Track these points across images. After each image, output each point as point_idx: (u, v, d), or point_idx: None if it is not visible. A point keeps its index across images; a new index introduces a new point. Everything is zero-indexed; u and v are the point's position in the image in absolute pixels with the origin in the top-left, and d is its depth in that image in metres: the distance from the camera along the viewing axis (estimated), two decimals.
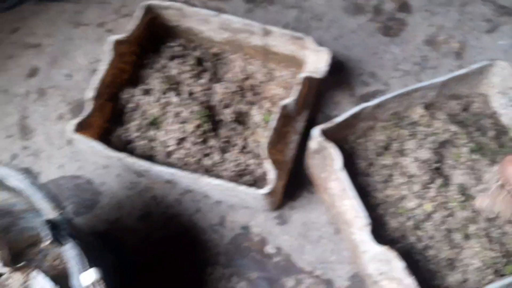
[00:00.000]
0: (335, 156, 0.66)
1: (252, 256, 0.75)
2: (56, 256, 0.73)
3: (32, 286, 0.67)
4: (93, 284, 0.49)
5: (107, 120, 0.80)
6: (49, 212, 0.53)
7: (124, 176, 0.82)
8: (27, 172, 0.82)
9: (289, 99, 0.72)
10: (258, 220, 0.78)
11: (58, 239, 0.51)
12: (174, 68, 0.82)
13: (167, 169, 0.69)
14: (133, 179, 0.81)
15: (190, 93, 0.81)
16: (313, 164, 0.73)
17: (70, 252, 0.51)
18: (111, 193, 0.81)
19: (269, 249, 0.76)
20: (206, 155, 0.76)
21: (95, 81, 0.75)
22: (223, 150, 0.77)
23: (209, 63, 0.86)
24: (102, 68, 0.76)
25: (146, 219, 0.79)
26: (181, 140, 0.76)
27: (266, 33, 0.78)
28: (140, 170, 0.76)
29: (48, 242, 0.51)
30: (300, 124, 0.78)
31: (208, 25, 0.81)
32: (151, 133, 0.78)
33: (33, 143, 0.85)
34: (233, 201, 0.75)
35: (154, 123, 0.78)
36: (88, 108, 0.74)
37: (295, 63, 0.83)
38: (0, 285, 0.66)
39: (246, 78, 0.85)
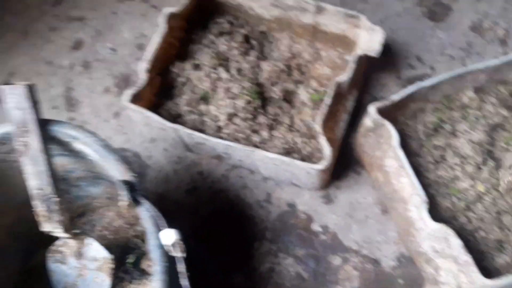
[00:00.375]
0: (393, 133, 0.66)
1: (298, 233, 0.76)
2: (105, 225, 0.74)
3: (86, 253, 0.67)
4: (173, 244, 0.49)
5: (155, 94, 0.80)
6: (123, 174, 0.54)
7: (171, 151, 0.82)
8: None
9: (344, 76, 0.72)
10: (304, 198, 0.78)
11: (134, 200, 0.51)
12: (222, 45, 0.82)
13: (223, 141, 0.69)
14: (180, 154, 0.82)
15: (239, 70, 0.81)
16: (366, 142, 0.73)
17: (146, 213, 0.52)
18: (158, 166, 0.81)
19: (316, 227, 0.76)
20: (255, 131, 0.77)
21: (148, 53, 0.75)
22: (271, 127, 0.77)
23: (255, 41, 0.86)
24: (155, 40, 0.76)
25: (193, 193, 0.79)
26: (231, 116, 0.76)
27: (319, 10, 0.78)
28: (190, 144, 0.76)
29: (125, 202, 0.51)
30: (350, 103, 0.78)
31: (260, 1, 0.81)
32: (202, 107, 0.78)
33: (80, 115, 0.85)
34: (282, 177, 0.75)
35: (205, 98, 0.78)
36: (141, 80, 0.74)
37: (343, 42, 0.82)
38: (55, 250, 0.67)
39: (293, 57, 0.85)
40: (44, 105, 0.85)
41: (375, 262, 0.73)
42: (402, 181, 0.66)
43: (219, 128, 0.77)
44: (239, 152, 0.70)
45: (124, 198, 0.52)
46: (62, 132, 0.58)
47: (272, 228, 0.76)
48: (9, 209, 0.67)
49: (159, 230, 0.51)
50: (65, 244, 0.67)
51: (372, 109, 0.68)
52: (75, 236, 0.65)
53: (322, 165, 0.66)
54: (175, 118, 0.78)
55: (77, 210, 0.74)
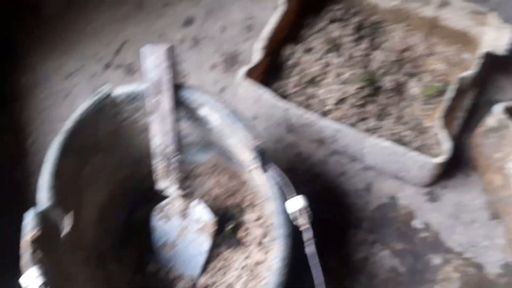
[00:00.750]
0: None
1: (397, 227, 0.73)
2: (204, 193, 0.76)
3: (191, 214, 0.69)
4: (299, 210, 0.49)
5: (262, 73, 0.81)
6: (252, 140, 0.54)
7: (271, 130, 0.83)
8: None
9: (468, 73, 0.70)
10: (406, 192, 0.75)
11: (263, 165, 0.52)
12: (335, 31, 0.82)
13: (334, 124, 0.68)
14: (280, 134, 0.82)
15: (350, 57, 0.80)
16: (485, 143, 0.69)
17: (274, 178, 0.52)
18: None
19: (417, 223, 0.73)
20: (362, 119, 0.75)
21: (265, 32, 0.76)
22: (379, 117, 0.76)
23: (367, 30, 0.85)
24: (273, 20, 0.77)
25: (289, 174, 0.77)
26: (340, 101, 0.76)
27: (444, 4, 0.76)
28: (295, 125, 0.76)
29: (255, 166, 0.52)
30: (467, 102, 0.75)
31: None
32: (309, 90, 0.78)
33: None
34: (388, 168, 0.73)
35: (313, 82, 0.78)
36: (255, 58, 0.76)
37: (463, 39, 0.79)
38: (161, 209, 0.70)
39: (405, 50, 0.83)
40: None
41: (479, 266, 0.69)
42: None
43: (326, 113, 0.76)
44: (348, 137, 0.69)
45: (252, 162, 0.52)
46: (191, 97, 0.60)
47: (369, 218, 0.74)
48: (124, 165, 0.70)
49: (285, 197, 0.52)
50: (172, 203, 0.69)
51: (498, 108, 0.65)
52: (184, 196, 0.68)
53: (441, 158, 0.64)
54: (282, 98, 0.79)
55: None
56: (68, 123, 0.61)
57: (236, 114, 0.57)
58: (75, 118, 0.61)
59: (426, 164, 0.65)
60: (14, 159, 0.82)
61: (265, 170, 0.53)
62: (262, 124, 0.83)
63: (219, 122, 0.60)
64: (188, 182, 0.77)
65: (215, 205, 0.75)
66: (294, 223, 0.52)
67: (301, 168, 0.80)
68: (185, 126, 0.66)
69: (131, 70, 0.91)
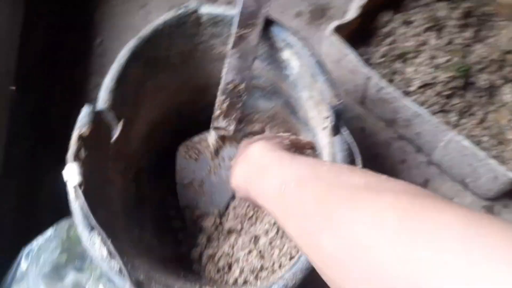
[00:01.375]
0: None
1: None
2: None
3: (223, 152, 0.66)
4: None
5: (349, 34, 0.75)
6: (332, 98, 0.50)
7: (342, 96, 0.78)
8: None
9: None
10: (464, 200, 0.70)
11: (336, 126, 0.48)
12: (441, 10, 0.74)
13: (415, 106, 0.63)
14: (349, 103, 0.77)
15: (449, 42, 0.73)
16: None
17: (344, 143, 0.48)
18: None
19: None
20: (443, 111, 0.69)
21: None
22: (461, 114, 0.69)
23: (475, 19, 0.76)
24: None
25: None
26: (426, 85, 0.69)
27: None
28: (371, 96, 0.71)
29: (326, 126, 0.48)
30: None
31: None
32: (397, 65, 0.72)
33: None
34: (457, 170, 0.67)
35: (403, 57, 0.72)
36: (350, 15, 0.70)
37: None
38: (190, 146, 0.67)
39: (510, 52, 0.74)
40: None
41: None
42: None
43: (407, 93, 0.70)
44: (426, 125, 0.64)
45: (325, 121, 0.48)
46: (279, 35, 0.55)
47: None
48: (187, 89, 0.68)
49: (357, 162, 0.48)
50: (204, 141, 0.66)
51: None
52: (225, 137, 0.65)
53: None
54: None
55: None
56: (145, 31, 0.58)
57: (322, 65, 0.52)
58: (154, 27, 0.58)
59: (501, 176, 0.59)
60: (78, 57, 0.82)
61: (336, 133, 0.49)
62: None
63: (299, 70, 0.55)
64: (241, 125, 0.74)
65: None
66: None
67: (361, 145, 0.74)
68: (259, 66, 0.62)
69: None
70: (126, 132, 0.58)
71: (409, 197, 0.26)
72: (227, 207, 0.66)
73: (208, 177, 0.67)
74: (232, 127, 0.60)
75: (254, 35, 0.54)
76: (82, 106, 0.52)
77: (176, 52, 0.62)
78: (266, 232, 0.64)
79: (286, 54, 0.56)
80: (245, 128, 0.74)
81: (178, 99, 0.68)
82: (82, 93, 0.80)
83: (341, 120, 0.49)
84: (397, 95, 0.63)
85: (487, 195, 0.67)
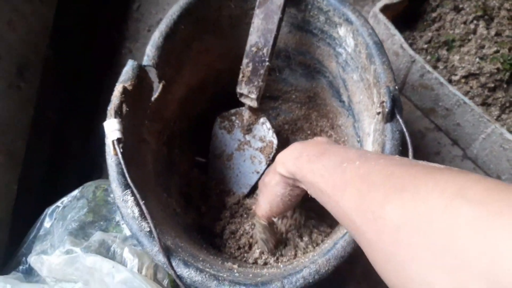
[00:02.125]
0: None
1: None
2: (288, 120, 0.71)
3: (255, 130, 0.65)
4: None
5: (395, 16, 0.73)
6: (388, 81, 0.48)
7: None
8: None
9: None
10: None
11: (391, 112, 0.45)
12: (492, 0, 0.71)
13: (459, 94, 0.60)
14: None
15: (499, 33, 0.70)
16: None
17: (393, 132, 0.45)
18: None
19: None
20: (485, 104, 0.67)
21: None
22: (503, 109, 0.67)
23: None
24: None
25: None
26: (470, 76, 0.67)
27: None
28: (412, 81, 0.68)
29: (380, 112, 0.45)
30: None
31: None
32: (442, 52, 0.69)
33: None
34: (495, 164, 0.65)
35: (449, 44, 0.69)
36: None
37: None
38: (226, 117, 0.65)
39: None
40: None
41: None
42: None
43: (449, 82, 0.68)
44: (469, 115, 0.61)
45: (379, 107, 0.46)
46: (340, 11, 0.52)
47: None
48: (230, 56, 0.65)
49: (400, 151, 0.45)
50: (239, 114, 0.65)
51: None
52: (255, 109, 0.63)
53: None
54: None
55: (273, 92, 0.72)
56: None
57: (381, 47, 0.50)
58: None
59: None
60: (117, 21, 0.81)
61: (390, 120, 0.46)
62: None
63: (354, 49, 0.53)
64: (282, 103, 0.72)
65: (293, 138, 0.70)
66: None
67: None
68: (310, 41, 0.60)
69: None
70: (166, 93, 0.57)
71: (487, 180, 0.24)
72: (251, 192, 0.64)
73: (237, 153, 0.66)
74: (254, 95, 0.58)
75: None
76: (114, 71, 0.51)
77: (226, 14, 0.60)
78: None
79: (342, 31, 0.54)
80: (280, 106, 0.72)
81: (220, 65, 0.66)
82: (116, 57, 0.78)
83: (397, 106, 0.46)
84: (442, 81, 0.61)
85: None
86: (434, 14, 0.71)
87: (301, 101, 0.71)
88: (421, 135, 0.72)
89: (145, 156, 0.52)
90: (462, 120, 0.64)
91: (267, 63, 0.57)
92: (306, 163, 0.40)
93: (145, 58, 0.51)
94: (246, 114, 0.65)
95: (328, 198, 0.35)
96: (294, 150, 0.44)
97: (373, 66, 0.49)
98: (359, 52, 0.51)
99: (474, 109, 0.59)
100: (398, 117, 0.45)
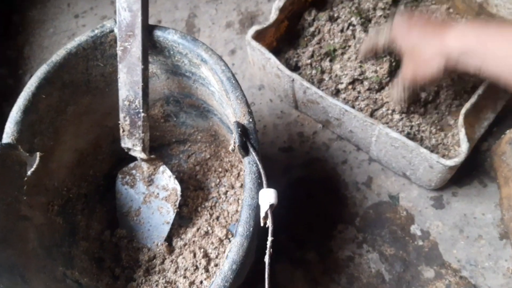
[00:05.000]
0: None
1: (392, 230, 0.66)
2: (200, 161, 0.71)
3: (157, 180, 0.65)
4: (270, 206, 0.42)
5: (278, 38, 0.74)
6: (241, 115, 0.48)
7: (276, 103, 0.76)
8: None
9: None
10: (410, 194, 0.68)
11: (243, 147, 0.45)
12: (367, 2, 0.73)
13: (341, 104, 0.61)
14: (285, 109, 0.76)
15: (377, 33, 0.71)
16: (511, 152, 0.60)
17: (250, 165, 0.45)
18: (259, 116, 0.76)
19: (415, 229, 0.66)
20: (376, 105, 0.68)
21: None
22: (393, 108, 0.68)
23: (404, 5, 0.75)
24: None
25: (287, 153, 0.73)
26: (355, 81, 0.68)
27: None
28: (301, 100, 0.69)
29: (234, 146, 0.45)
30: (500, 103, 0.65)
31: None
32: (326, 64, 0.70)
33: None
34: (395, 163, 0.66)
35: (331, 54, 0.71)
36: (271, 19, 0.68)
37: None
38: (126, 172, 0.65)
39: None
40: (165, 25, 0.84)
41: None
42: None
43: (338, 91, 0.69)
44: (356, 121, 0.62)
45: (234, 141, 0.45)
46: (195, 52, 0.53)
47: (363, 216, 0.67)
48: (117, 110, 0.65)
49: (258, 189, 0.44)
50: (138, 167, 0.65)
51: None
52: (150, 160, 0.63)
53: (454, 161, 0.56)
54: (293, 69, 0.72)
55: (178, 136, 0.72)
56: (57, 55, 0.56)
57: (234, 82, 0.50)
58: (67, 51, 0.56)
59: (436, 165, 0.57)
60: (8, 92, 0.80)
61: (246, 154, 0.46)
62: (267, 95, 0.77)
63: (217, 87, 0.53)
64: (185, 146, 0.72)
65: (206, 176, 0.70)
66: (261, 220, 0.44)
67: (302, 148, 0.73)
68: (187, 84, 0.61)
69: None
70: (46, 163, 0.56)
71: None
72: (163, 243, 0.63)
73: (144, 206, 0.65)
74: (139, 148, 0.58)
75: (135, 47, 0.53)
76: None
77: (98, 74, 0.60)
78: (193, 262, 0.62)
79: (204, 70, 0.54)
80: (190, 148, 0.72)
81: (109, 123, 0.66)
82: None
83: (250, 139, 0.46)
84: (321, 94, 0.62)
85: (431, 186, 0.65)
86: (312, 29, 0.72)
87: (207, 140, 0.71)
88: (326, 147, 0.73)
89: (24, 234, 0.51)
90: (352, 127, 0.65)
91: (142, 114, 0.57)
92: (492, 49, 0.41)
93: (4, 135, 0.51)
94: (144, 166, 0.65)
95: None
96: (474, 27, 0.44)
97: (230, 102, 0.49)
98: (220, 89, 0.52)
99: (356, 115, 0.60)
100: (251, 150, 0.45)
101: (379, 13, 0.72)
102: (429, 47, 0.50)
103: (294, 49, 0.73)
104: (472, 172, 0.68)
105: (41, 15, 0.87)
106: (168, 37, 0.54)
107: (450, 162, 0.56)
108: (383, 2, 0.73)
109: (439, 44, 0.48)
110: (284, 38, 0.74)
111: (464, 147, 0.56)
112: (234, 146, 0.45)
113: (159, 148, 0.73)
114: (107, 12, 0.87)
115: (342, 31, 0.71)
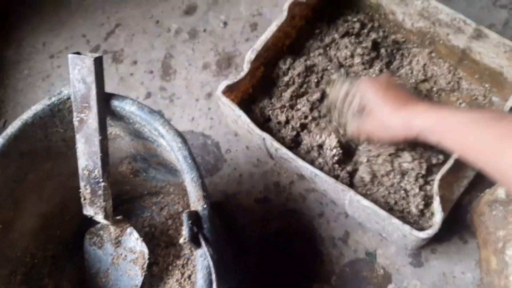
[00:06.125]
0: None
1: None
2: (172, 213, 0.69)
3: (124, 242, 0.63)
4: None
5: (254, 86, 0.71)
6: (195, 201, 0.45)
7: (253, 151, 0.74)
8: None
9: None
10: (388, 250, 0.66)
11: (195, 240, 0.43)
12: (345, 48, 0.70)
13: (311, 168, 0.58)
14: (262, 157, 0.73)
15: None
16: (489, 214, 0.57)
17: (202, 260, 0.43)
18: (235, 164, 0.74)
19: None
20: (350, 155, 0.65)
21: (260, 42, 0.66)
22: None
23: (385, 50, 0.71)
24: (271, 29, 0.66)
25: (264, 204, 0.71)
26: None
27: (478, 36, 0.61)
28: (274, 155, 0.67)
29: (183, 240, 0.43)
30: None
31: (406, 7, 0.66)
32: (296, 103, 0.68)
33: (172, 86, 0.80)
34: (370, 225, 0.63)
35: (301, 96, 0.68)
36: (244, 70, 0.66)
37: (495, 79, 0.65)
38: (94, 233, 0.64)
39: (425, 80, 0.70)
40: (141, 66, 0.82)
41: None
42: None
43: (304, 126, 0.67)
44: (327, 184, 0.59)
45: (183, 234, 0.43)
46: (152, 125, 0.51)
47: (340, 274, 0.65)
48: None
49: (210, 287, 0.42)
50: (105, 228, 0.63)
51: None
52: (116, 223, 0.61)
53: (427, 233, 0.53)
54: (267, 119, 0.69)
55: (150, 189, 0.70)
56: (12, 127, 0.55)
57: (190, 161, 0.47)
58: (23, 121, 0.55)
59: (409, 236, 0.54)
60: None
61: (197, 246, 0.43)
62: (243, 142, 0.75)
63: (176, 161, 0.51)
64: (158, 198, 0.71)
65: (176, 235, 0.68)
66: None
67: (278, 199, 0.71)
68: (152, 147, 0.59)
69: (118, 59, 0.83)
70: (6, 234, 0.55)
71: None
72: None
73: (113, 268, 0.64)
74: (101, 216, 0.56)
75: (91, 118, 0.51)
76: None
77: (59, 139, 0.59)
78: None
79: (163, 142, 0.52)
80: (163, 200, 0.71)
81: (75, 183, 0.64)
82: None
83: (203, 228, 0.44)
84: (291, 155, 0.59)
85: (407, 249, 0.63)
86: (286, 78, 0.69)
87: (179, 193, 0.69)
88: (303, 198, 0.70)
89: None
90: (324, 188, 0.62)
91: (102, 184, 0.55)
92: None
93: None
94: (111, 227, 0.63)
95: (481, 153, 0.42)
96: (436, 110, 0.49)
97: (185, 182, 0.47)
98: (178, 164, 0.50)
99: (327, 180, 0.58)
100: (202, 243, 0.43)
101: (357, 60, 0.69)
102: (394, 117, 0.52)
103: (269, 98, 0.70)
104: (452, 226, 0.65)
105: (16, 55, 0.85)
106: (125, 107, 0.52)
107: (423, 235, 0.53)
108: (361, 47, 0.69)
109: (404, 117, 0.51)
110: (260, 85, 0.71)
111: (438, 218, 0.53)
112: (184, 240, 0.43)
113: (131, 200, 0.71)
114: (91, 37, 0.85)
115: (318, 84, 0.68)
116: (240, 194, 0.72)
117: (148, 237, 0.68)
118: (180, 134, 0.50)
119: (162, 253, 0.66)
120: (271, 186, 0.72)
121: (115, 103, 0.53)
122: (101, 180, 0.55)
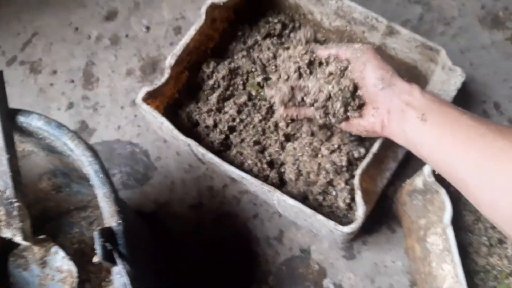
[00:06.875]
0: (447, 207, 0.53)
1: (306, 286, 0.65)
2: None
3: (50, 262, 0.60)
4: None
5: (179, 91, 0.70)
6: (108, 217, 0.43)
7: (184, 156, 0.72)
8: (82, 125, 0.75)
9: None
10: (321, 246, 0.67)
11: (109, 257, 0.41)
12: (267, 50, 0.70)
13: (238, 171, 0.58)
14: (193, 162, 0.72)
15: (278, 78, 0.69)
16: (410, 203, 0.60)
17: (118, 278, 0.41)
18: (166, 171, 0.72)
19: (328, 283, 0.65)
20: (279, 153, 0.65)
21: (179, 47, 0.64)
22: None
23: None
24: (190, 33, 0.65)
25: (198, 209, 0.70)
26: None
27: (390, 32, 0.64)
28: (203, 160, 0.66)
29: (97, 259, 0.41)
30: (402, 151, 0.64)
31: (322, 7, 0.68)
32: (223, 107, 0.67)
33: (95, 94, 0.77)
34: (300, 222, 0.64)
35: (229, 99, 0.67)
36: (164, 76, 0.64)
37: (412, 74, 0.68)
38: (17, 255, 0.60)
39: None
40: (61, 76, 0.78)
41: None
42: (444, 268, 0.53)
43: (232, 128, 0.67)
44: (255, 186, 0.59)
45: (97, 253, 0.41)
46: (61, 140, 0.48)
47: (276, 274, 0.66)
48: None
49: None
50: (29, 249, 0.59)
51: (427, 170, 0.55)
52: (38, 243, 0.58)
53: (351, 228, 0.54)
54: (195, 124, 0.68)
55: (77, 204, 0.67)
56: None
57: (101, 176, 0.45)
58: None
59: (335, 231, 0.55)
60: None
61: (112, 264, 0.42)
62: (173, 148, 0.73)
63: (87, 176, 0.48)
64: (86, 212, 0.67)
65: None
66: None
67: (212, 204, 0.70)
68: (71, 161, 0.55)
69: (36, 69, 0.79)
70: None
71: None
72: None
73: None
74: (20, 237, 0.53)
75: None
76: None
77: None
78: None
79: (74, 157, 0.49)
80: (91, 214, 0.67)
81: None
82: None
83: (118, 245, 0.42)
84: (218, 160, 0.59)
85: (338, 244, 0.64)
86: (211, 82, 0.68)
87: None
88: (237, 201, 0.70)
89: None
90: (253, 189, 0.62)
91: (16, 204, 0.51)
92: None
93: None
94: (34, 248, 0.59)
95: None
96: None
97: (97, 196, 0.45)
98: (89, 179, 0.47)
99: (253, 182, 0.57)
100: (117, 260, 0.41)
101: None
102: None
103: (196, 102, 0.69)
104: (381, 217, 0.67)
105: None
106: (32, 123, 0.49)
107: (347, 229, 0.54)
108: (283, 47, 0.70)
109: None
110: (186, 90, 0.70)
111: (360, 212, 0.55)
112: (97, 259, 0.41)
113: (58, 217, 0.68)
114: (6, 47, 0.80)
115: (244, 86, 0.68)
116: (173, 201, 0.70)
117: (78, 254, 0.65)
118: (90, 148, 0.47)
119: (94, 269, 0.63)
120: (204, 191, 0.70)
121: (21, 119, 0.49)
122: (14, 200, 0.51)
